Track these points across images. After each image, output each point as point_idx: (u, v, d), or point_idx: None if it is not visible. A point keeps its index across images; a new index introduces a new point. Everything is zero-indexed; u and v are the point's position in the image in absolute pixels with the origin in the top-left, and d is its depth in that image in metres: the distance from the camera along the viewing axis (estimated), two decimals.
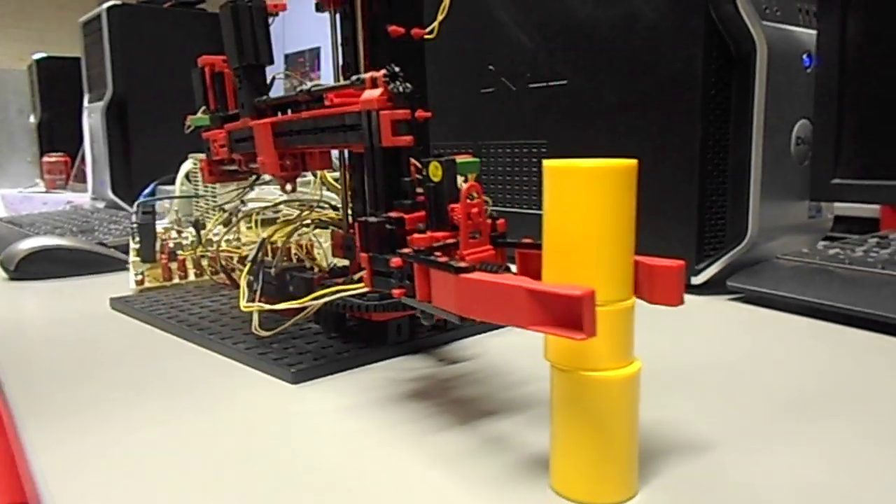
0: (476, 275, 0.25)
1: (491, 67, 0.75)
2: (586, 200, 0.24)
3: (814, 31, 0.59)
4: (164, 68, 1.37)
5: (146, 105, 1.35)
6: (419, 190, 0.33)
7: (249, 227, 0.62)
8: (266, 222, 0.62)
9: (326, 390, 0.37)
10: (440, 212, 0.31)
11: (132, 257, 0.65)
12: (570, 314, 0.21)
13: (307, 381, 0.38)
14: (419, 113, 0.43)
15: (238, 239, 0.64)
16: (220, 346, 0.44)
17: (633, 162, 0.24)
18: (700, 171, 0.57)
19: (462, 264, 0.25)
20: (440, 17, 0.45)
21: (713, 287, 0.58)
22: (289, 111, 0.43)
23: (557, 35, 0.67)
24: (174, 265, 0.64)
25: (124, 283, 0.64)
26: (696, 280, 0.58)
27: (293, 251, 0.54)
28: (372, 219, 0.32)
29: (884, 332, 0.45)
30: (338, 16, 0.45)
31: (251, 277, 0.45)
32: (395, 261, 0.30)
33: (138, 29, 1.34)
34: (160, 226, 0.67)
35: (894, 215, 1.34)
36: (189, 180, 1.10)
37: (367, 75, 0.33)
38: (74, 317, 0.55)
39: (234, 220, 0.65)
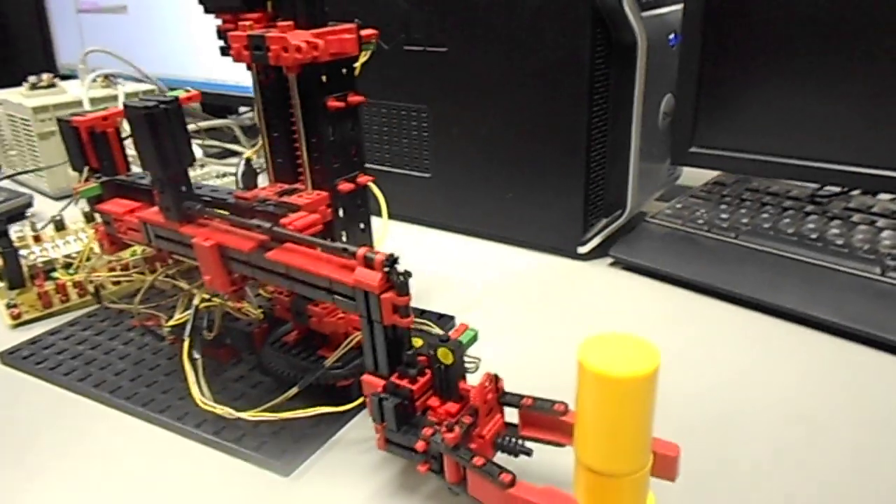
0: (525, 492, 0.28)
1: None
2: (624, 401, 0.27)
3: (678, 7, 0.63)
4: None
5: None
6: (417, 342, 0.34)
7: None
8: None
9: (325, 480, 0.39)
10: (451, 388, 0.33)
11: None
12: None
13: (297, 468, 0.40)
14: (360, 178, 0.43)
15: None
16: (180, 428, 0.43)
17: (658, 363, 0.28)
18: (586, 150, 0.61)
19: (506, 478, 0.28)
20: (362, 60, 0.43)
21: (595, 251, 0.65)
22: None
23: (435, 0, 0.65)
24: (51, 287, 0.58)
25: None
26: (582, 250, 0.64)
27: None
28: (387, 400, 0.33)
29: (750, 307, 0.55)
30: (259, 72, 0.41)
31: (196, 354, 0.44)
32: (420, 445, 0.32)
33: None
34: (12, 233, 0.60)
35: None
36: None
37: (361, 251, 0.32)
38: None
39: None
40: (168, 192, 0.39)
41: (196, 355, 0.45)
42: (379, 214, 0.47)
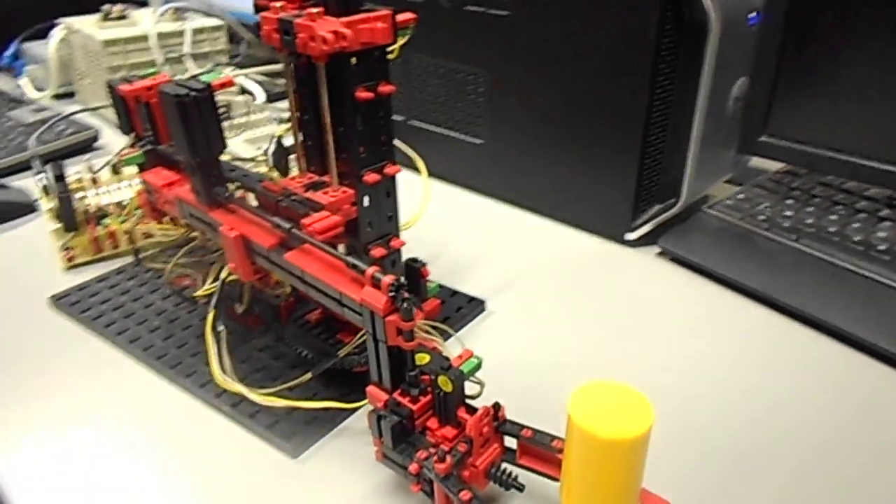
0: None
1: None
2: (610, 462, 0.26)
3: None
4: None
5: None
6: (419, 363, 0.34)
7: None
8: None
9: (331, 467, 0.40)
10: (450, 414, 0.32)
11: (50, 222, 0.61)
12: None
13: (305, 451, 0.41)
14: (388, 168, 0.42)
15: None
16: (201, 395, 0.45)
17: (649, 426, 0.27)
18: (643, 133, 0.58)
19: None
20: (401, 42, 0.41)
21: (645, 236, 0.62)
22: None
23: None
24: (102, 232, 0.60)
25: (37, 237, 0.61)
26: (630, 236, 0.62)
27: None
28: (385, 418, 0.33)
29: (799, 320, 0.52)
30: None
31: (220, 326, 0.45)
32: (413, 467, 0.32)
33: None
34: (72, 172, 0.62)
35: None
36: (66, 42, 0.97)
37: (370, 271, 0.32)
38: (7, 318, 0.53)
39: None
40: (198, 177, 0.40)
41: (220, 327, 0.46)
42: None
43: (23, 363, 0.48)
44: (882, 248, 0.54)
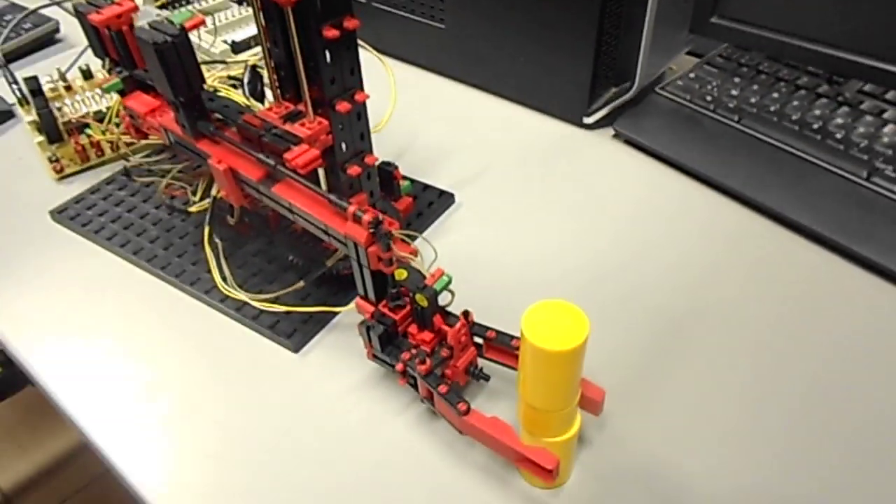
0: (475, 419, 0.35)
1: None
2: (555, 367, 0.33)
3: None
4: None
5: None
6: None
7: None
8: None
9: (328, 358, 0.47)
10: (427, 323, 0.38)
11: (35, 135, 0.63)
12: (544, 473, 0.33)
13: (305, 345, 0.48)
14: (358, 96, 0.45)
15: None
16: (207, 300, 0.51)
17: (584, 337, 0.33)
18: (599, 16, 0.60)
19: (462, 406, 0.35)
20: None
21: (603, 119, 0.66)
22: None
23: None
24: (86, 142, 0.63)
25: (21, 146, 0.64)
26: (588, 120, 0.66)
27: None
28: (373, 328, 0.39)
29: (735, 200, 0.58)
30: None
31: (217, 240, 0.50)
32: (399, 366, 0.38)
33: None
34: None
35: None
36: None
37: (351, 209, 0.36)
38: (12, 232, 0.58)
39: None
40: (182, 112, 0.43)
41: (217, 240, 0.51)
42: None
43: (36, 275, 0.54)
44: (815, 126, 0.59)
